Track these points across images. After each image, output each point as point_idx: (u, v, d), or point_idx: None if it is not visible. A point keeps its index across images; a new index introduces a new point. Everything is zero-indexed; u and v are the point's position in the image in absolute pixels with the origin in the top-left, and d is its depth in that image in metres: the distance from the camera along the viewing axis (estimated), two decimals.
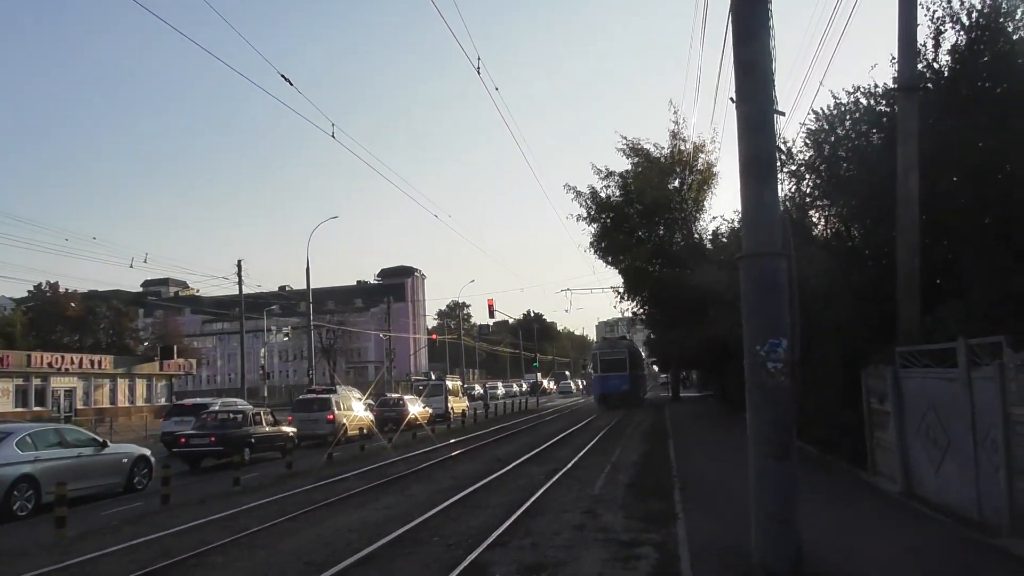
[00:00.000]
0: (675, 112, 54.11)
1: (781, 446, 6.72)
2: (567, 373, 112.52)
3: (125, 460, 15.41)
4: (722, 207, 52.64)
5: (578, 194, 34.73)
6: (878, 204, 12.42)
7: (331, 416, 25.42)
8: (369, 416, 28.69)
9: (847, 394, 12.63)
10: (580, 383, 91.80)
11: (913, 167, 11.07)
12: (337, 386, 32.65)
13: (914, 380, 10.07)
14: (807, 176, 14.84)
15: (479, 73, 16.01)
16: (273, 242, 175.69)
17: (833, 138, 13.95)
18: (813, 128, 14.35)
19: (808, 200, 15.20)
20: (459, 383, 45.97)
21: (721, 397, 41.64)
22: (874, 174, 12.37)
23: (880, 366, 11.10)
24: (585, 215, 34.87)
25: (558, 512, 10.94)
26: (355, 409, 27.66)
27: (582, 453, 18.94)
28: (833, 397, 13.14)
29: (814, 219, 15.87)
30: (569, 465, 16.42)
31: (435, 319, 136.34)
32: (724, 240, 28.49)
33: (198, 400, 29.49)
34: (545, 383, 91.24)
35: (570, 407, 50.71)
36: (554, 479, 14.28)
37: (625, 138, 34.34)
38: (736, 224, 24.00)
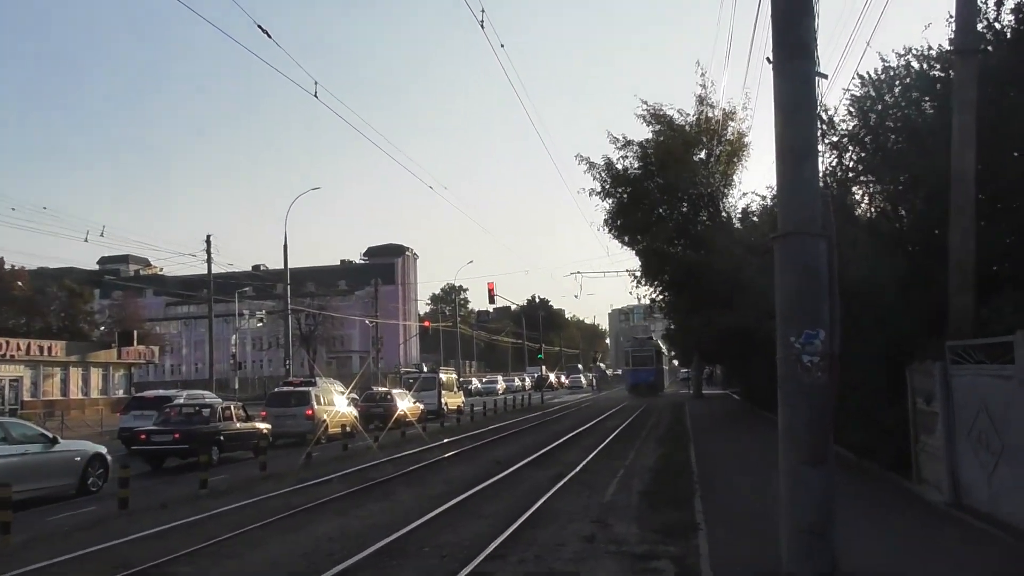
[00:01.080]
0: (703, 74, 53.76)
1: (816, 450, 6.74)
2: (579, 366, 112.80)
3: (78, 459, 15.46)
4: (754, 182, 52.83)
5: (591, 165, 34.57)
6: (929, 181, 12.36)
7: (310, 412, 25.51)
8: (353, 412, 28.76)
9: (889, 393, 12.66)
10: (592, 377, 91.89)
11: (970, 140, 11.01)
12: (317, 378, 32.78)
13: (965, 378, 10.08)
14: (850, 149, 14.77)
15: (483, 27, 15.93)
16: (247, 216, 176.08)
17: (880, 106, 13.86)
18: (858, 95, 14.26)
19: (851, 175, 15.14)
20: (454, 376, 46.09)
21: (747, 395, 41.84)
22: (926, 147, 12.31)
23: (928, 362, 11.11)
24: (599, 189, 34.70)
25: (564, 521, 11.02)
26: (337, 404, 27.75)
27: (592, 456, 19.05)
28: (873, 396, 13.16)
29: (857, 197, 15.81)
30: (577, 469, 16.52)
31: (428, 304, 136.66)
32: (755, 219, 28.39)
33: (160, 392, 29.56)
34: (551, 377, 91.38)
35: (579, 404, 50.91)
36: (560, 484, 14.37)
37: (645, 103, 34.05)
38: (769, 201, 23.89)
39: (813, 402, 6.82)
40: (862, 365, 12.92)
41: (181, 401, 24.12)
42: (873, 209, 15.55)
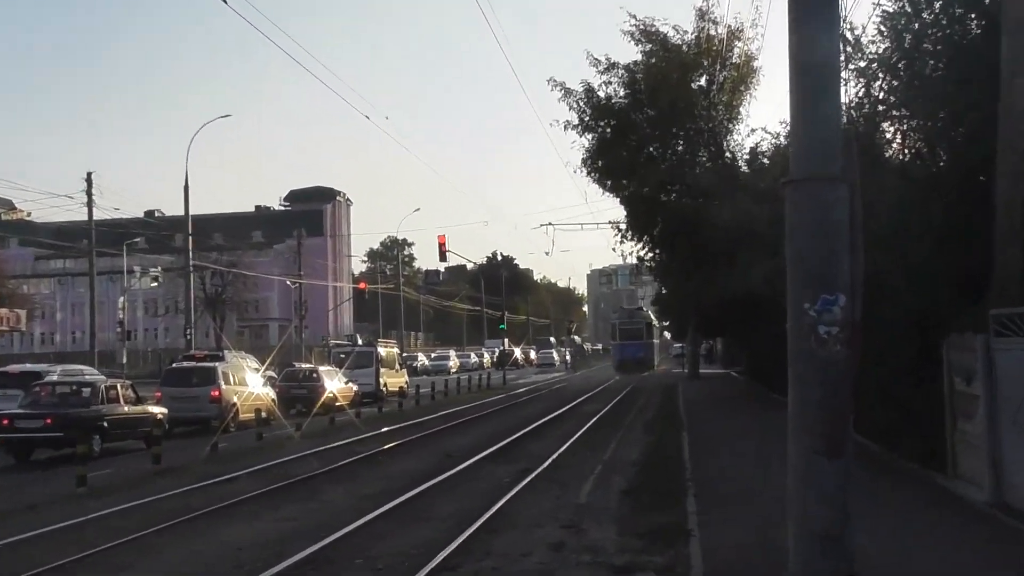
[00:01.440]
0: None
1: (832, 439, 6.85)
2: (552, 339, 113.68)
3: None
4: (764, 116, 52.94)
5: (567, 92, 34.33)
6: (974, 115, 12.51)
7: (216, 392, 25.37)
8: (270, 394, 28.69)
9: (920, 370, 12.90)
10: (565, 352, 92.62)
11: (1022, 67, 11.13)
12: (225, 351, 32.43)
13: (1013, 353, 10.28)
14: (880, 76, 14.87)
15: None
16: (139, 149, 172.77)
17: (917, 25, 13.92)
18: (891, 11, 14.31)
19: (881, 109, 15.26)
20: (396, 351, 46.07)
21: (751, 373, 42.47)
22: (970, 75, 12.42)
23: (968, 334, 11.31)
24: (576, 122, 34.51)
25: (529, 526, 11.15)
26: (250, 384, 27.63)
27: (565, 448, 19.27)
28: (900, 374, 13.41)
29: (887, 135, 15.97)
30: (546, 464, 16.71)
31: (364, 262, 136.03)
32: (765, 161, 28.54)
33: (28, 367, 29.17)
34: (517, 352, 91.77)
35: (550, 385, 51.31)
36: (525, 482, 14.52)
37: (634, 17, 33.75)
38: (782, 140, 24.05)
39: (829, 381, 6.90)
40: (888, 336, 13.14)
41: (54, 378, 23.77)
42: (906, 150, 15.71)
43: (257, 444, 21.50)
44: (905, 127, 15.43)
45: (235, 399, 25.74)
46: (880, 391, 13.84)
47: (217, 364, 26.90)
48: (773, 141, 27.06)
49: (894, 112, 15.22)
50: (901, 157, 15.66)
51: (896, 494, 12.07)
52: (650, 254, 39.61)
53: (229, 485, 14.96)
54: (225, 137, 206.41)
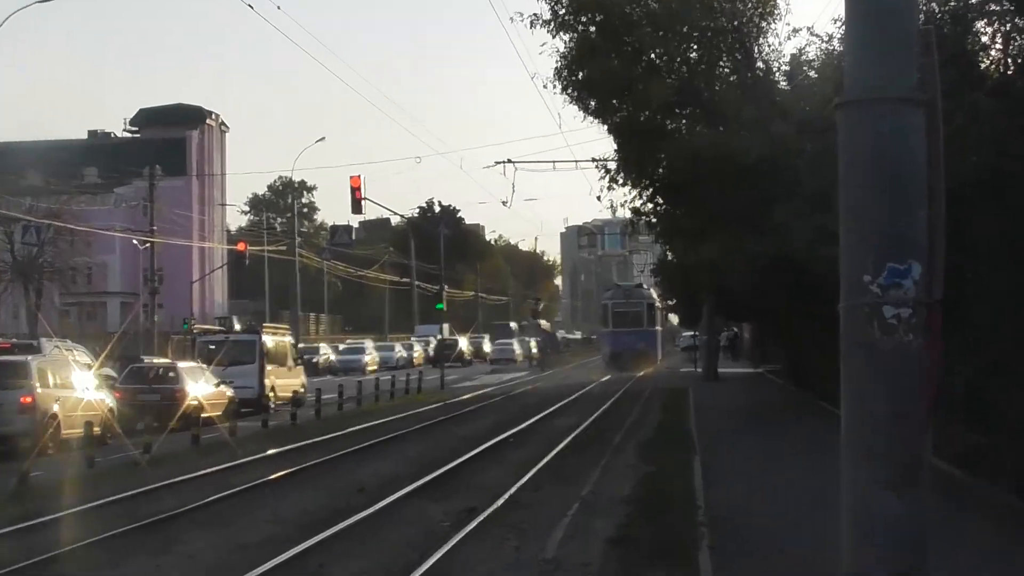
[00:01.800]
0: None
1: (902, 465, 6.87)
2: (512, 325, 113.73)
3: None
4: (810, 11, 52.40)
5: None
6: None
7: (29, 398, 25.12)
8: (107, 400, 28.46)
9: (1022, 370, 13.05)
10: (530, 343, 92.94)
11: None
12: (43, 340, 32.14)
13: None
14: None
15: None
16: None
17: None
18: None
19: (973, 2, 15.32)
20: (289, 340, 45.92)
21: (793, 374, 42.75)
22: None
23: None
24: (548, 16, 34.40)
25: None
26: (78, 386, 27.41)
27: (527, 479, 19.34)
28: (997, 374, 13.56)
29: (983, 38, 16.05)
30: (501, 501, 16.73)
31: (245, 213, 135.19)
32: (811, 74, 28.61)
33: None
34: (463, 343, 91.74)
35: (509, 390, 51.44)
36: (470, 527, 14.52)
37: None
38: (836, 44, 24.15)
39: (898, 384, 6.89)
40: (979, 321, 13.26)
41: None
42: (1008, 59, 15.81)
43: (88, 472, 21.34)
44: (1008, 27, 15.51)
45: (56, 408, 25.49)
46: (969, 396, 13.98)
47: (30, 358, 26.67)
48: (823, 46, 27.13)
49: (992, 6, 15.30)
50: (1001, 69, 15.77)
51: (985, 537, 12.22)
52: (650, 205, 39.72)
53: (46, 532, 14.80)
54: (44, 30, 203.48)
